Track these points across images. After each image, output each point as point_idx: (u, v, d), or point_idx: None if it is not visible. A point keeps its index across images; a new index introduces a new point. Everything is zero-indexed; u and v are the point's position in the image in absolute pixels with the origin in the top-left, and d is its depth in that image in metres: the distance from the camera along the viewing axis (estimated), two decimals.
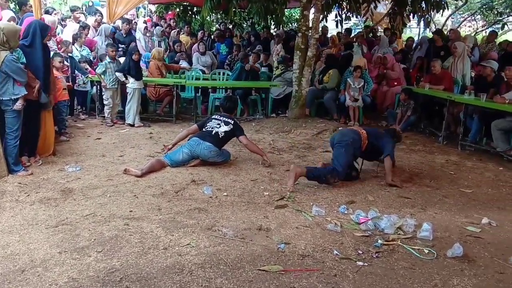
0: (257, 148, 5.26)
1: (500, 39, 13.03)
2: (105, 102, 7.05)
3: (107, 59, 6.98)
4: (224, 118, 5.15)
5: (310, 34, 7.63)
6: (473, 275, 2.85)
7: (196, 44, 9.83)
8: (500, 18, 14.97)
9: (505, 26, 15.12)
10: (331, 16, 10.67)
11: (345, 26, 11.56)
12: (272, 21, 9.54)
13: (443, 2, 8.95)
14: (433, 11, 9.26)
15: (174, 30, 11.45)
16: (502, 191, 4.65)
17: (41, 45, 4.64)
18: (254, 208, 3.85)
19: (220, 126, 5.03)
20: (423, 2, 8.66)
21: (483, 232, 3.54)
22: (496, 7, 14.70)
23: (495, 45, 9.29)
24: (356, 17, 11.35)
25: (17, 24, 5.36)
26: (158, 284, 2.56)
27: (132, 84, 6.92)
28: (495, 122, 6.08)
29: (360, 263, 2.93)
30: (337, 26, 10.49)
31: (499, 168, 5.49)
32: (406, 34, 15.35)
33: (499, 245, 3.31)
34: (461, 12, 17.64)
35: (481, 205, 4.18)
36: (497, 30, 14.75)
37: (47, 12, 7.49)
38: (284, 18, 12.32)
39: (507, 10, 14.72)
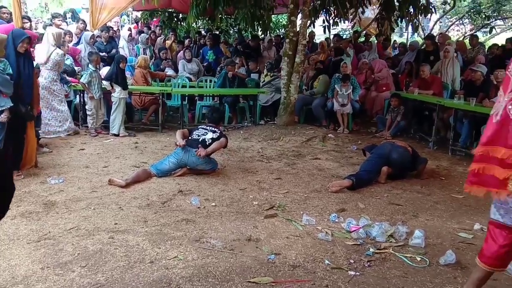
0: (220, 147, 5.12)
1: (489, 42, 13.28)
2: (88, 112, 6.99)
3: (91, 67, 6.92)
4: (210, 128, 5.17)
5: (298, 39, 7.67)
6: (466, 282, 2.86)
7: (182, 51, 9.83)
8: (488, 22, 15.24)
9: (493, 29, 15.40)
10: (319, 21, 10.76)
11: (333, 32, 11.65)
12: (259, 27, 9.55)
13: (431, 7, 9.07)
14: (421, 16, 9.37)
15: (160, 37, 11.44)
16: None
17: (14, 53, 4.59)
18: (243, 218, 3.83)
19: (206, 134, 5.04)
20: (411, 7, 8.76)
21: (475, 238, 3.56)
22: (483, 11, 14.97)
23: (481, 48, 9.44)
24: (344, 22, 11.44)
25: None
26: None
27: (117, 93, 6.89)
28: (485, 126, 6.16)
29: (352, 272, 2.93)
30: (324, 32, 10.54)
31: None
32: (400, 39, 15.53)
33: None
34: (449, 16, 17.91)
35: (473, 211, 4.21)
36: (485, 34, 15.04)
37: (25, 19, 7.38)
38: (271, 24, 12.37)
39: (495, 14, 14.98)
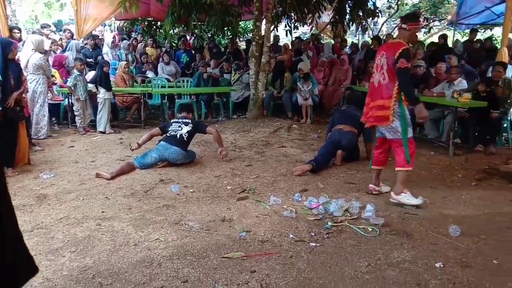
0: (220, 138, 5.20)
1: (428, 40, 13.55)
2: (75, 113, 6.80)
3: (75, 72, 6.73)
4: (182, 120, 5.09)
5: (263, 42, 7.63)
6: (411, 247, 2.92)
7: (161, 55, 9.67)
8: (427, 23, 15.51)
9: (431, 29, 15.71)
10: (282, 26, 10.75)
11: (294, 35, 11.65)
12: (228, 32, 9.48)
13: (377, 11, 9.18)
14: (369, 18, 9.47)
15: (141, 43, 11.20)
16: (433, 173, 4.81)
17: (2, 59, 4.41)
18: (218, 201, 3.81)
19: (181, 128, 4.96)
20: (360, 11, 8.84)
21: (418, 209, 3.64)
22: (423, 13, 15.22)
23: (420, 45, 9.60)
24: (303, 26, 11.46)
25: None
26: (129, 277, 2.48)
27: (102, 94, 6.73)
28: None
29: (313, 244, 2.95)
30: (287, 35, 10.55)
31: (431, 153, 5.68)
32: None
33: (432, 220, 3.41)
34: (394, 19, 18.16)
35: (416, 186, 4.28)
36: (425, 34, 15.31)
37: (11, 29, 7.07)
38: (239, 29, 12.26)
39: (432, 16, 15.27)
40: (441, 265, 2.64)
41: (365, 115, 3.97)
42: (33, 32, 8.50)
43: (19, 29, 7.51)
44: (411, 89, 3.68)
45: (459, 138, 6.00)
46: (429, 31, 15.50)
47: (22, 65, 5.95)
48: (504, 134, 6.20)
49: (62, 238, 3.01)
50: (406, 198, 3.71)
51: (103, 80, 6.74)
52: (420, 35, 14.81)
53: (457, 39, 11.08)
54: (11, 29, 6.99)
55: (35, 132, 6.17)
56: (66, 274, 2.51)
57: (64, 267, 2.60)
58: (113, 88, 7.07)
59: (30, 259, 0.57)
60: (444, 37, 9.73)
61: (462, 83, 6.19)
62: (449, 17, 14.02)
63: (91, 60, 8.68)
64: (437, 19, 15.52)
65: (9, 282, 0.52)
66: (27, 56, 6.09)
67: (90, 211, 3.51)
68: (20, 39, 7.05)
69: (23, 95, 5.02)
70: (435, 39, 14.22)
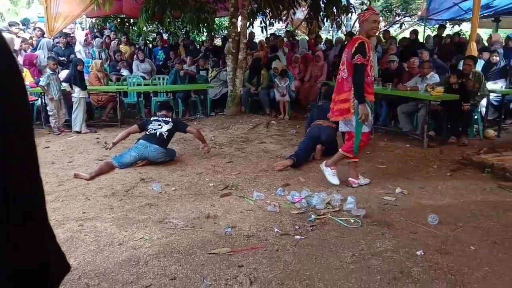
0: (202, 135, 5.22)
1: (400, 36, 13.85)
2: (49, 113, 6.61)
3: (48, 71, 6.54)
4: (162, 118, 5.04)
5: (239, 39, 7.63)
6: (392, 237, 3.01)
7: (136, 53, 9.51)
8: (398, 19, 15.85)
9: (403, 25, 16.06)
10: (257, 22, 10.75)
11: (270, 32, 11.69)
12: (204, 29, 9.40)
13: (350, 7, 9.32)
14: (342, 15, 9.60)
15: (114, 41, 10.98)
16: (410, 165, 4.95)
17: None
18: (201, 198, 3.80)
19: (161, 127, 4.91)
20: (334, 7, 8.95)
21: (397, 200, 3.74)
22: (394, 9, 15.54)
23: (393, 41, 9.83)
24: (278, 23, 11.51)
25: None
26: (115, 277, 2.46)
27: (77, 93, 6.57)
28: (400, 107, 6.46)
29: (298, 237, 2.99)
30: (262, 32, 10.57)
31: (406, 145, 5.83)
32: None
33: (411, 210, 3.52)
34: None
35: (394, 178, 4.41)
36: (397, 29, 15.62)
37: None
38: (215, 26, 12.21)
39: (403, 12, 15.60)
40: (422, 253, 2.73)
41: (331, 111, 4.15)
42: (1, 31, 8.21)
43: None
44: (361, 87, 3.81)
45: (432, 131, 6.18)
46: (400, 27, 15.84)
47: None
48: (475, 126, 6.43)
49: None
50: (329, 174, 4.14)
51: (77, 79, 6.57)
52: (392, 31, 15.11)
53: (428, 35, 11.38)
54: None
55: None
56: None
57: None
58: (87, 87, 6.91)
59: (63, 257, 0.57)
60: (415, 32, 9.98)
61: (434, 77, 6.38)
62: (420, 13, 14.38)
63: (63, 58, 8.47)
64: (408, 15, 15.85)
65: (45, 281, 0.51)
66: None
67: (70, 212, 3.45)
68: None
69: None
70: (406, 34, 14.56)
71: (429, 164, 4.93)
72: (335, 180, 4.13)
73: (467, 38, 8.51)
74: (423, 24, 13.67)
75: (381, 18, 17.65)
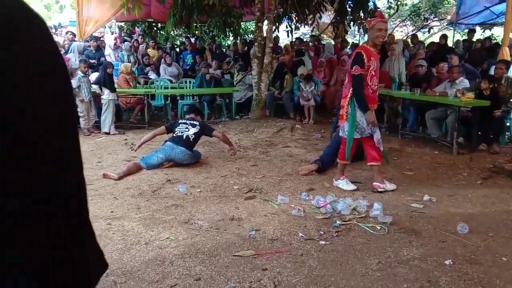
0: (228, 138, 5.26)
1: (428, 40, 13.58)
2: (80, 114, 6.79)
3: (79, 73, 6.73)
4: (190, 121, 5.10)
5: (265, 43, 7.66)
6: (420, 245, 2.94)
7: (163, 57, 9.69)
8: (427, 23, 15.58)
9: (431, 29, 15.76)
10: (283, 27, 10.77)
11: (295, 36, 11.68)
12: (230, 33, 9.49)
13: (377, 11, 9.20)
14: (369, 19, 9.49)
15: (142, 45, 11.21)
16: (438, 171, 4.83)
17: None
18: (226, 201, 3.82)
19: (188, 130, 4.97)
20: (361, 11, 8.88)
21: (425, 208, 3.67)
22: (422, 13, 15.28)
23: (421, 45, 9.65)
24: (304, 27, 11.50)
25: None
26: (142, 276, 2.50)
27: (106, 95, 6.74)
28: (428, 113, 6.32)
29: (323, 242, 2.97)
30: (288, 36, 10.58)
31: (435, 152, 5.70)
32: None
33: (439, 218, 3.43)
34: (393, 19, 18.23)
35: (422, 185, 4.32)
36: (425, 33, 15.34)
37: None
38: (241, 30, 12.32)
39: (432, 16, 15.32)
40: (451, 262, 2.66)
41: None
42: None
43: None
44: (361, 96, 3.86)
45: (462, 137, 6.02)
46: (429, 31, 15.55)
47: None
48: (507, 133, 6.23)
49: None
50: (342, 184, 4.17)
51: (107, 81, 6.75)
52: (420, 35, 14.84)
53: (458, 40, 11.12)
54: None
55: None
56: None
57: None
58: (116, 90, 7.08)
59: (101, 255, 0.58)
60: (445, 37, 9.77)
61: (463, 82, 6.22)
62: (449, 17, 14.07)
63: (94, 61, 8.69)
64: (436, 19, 15.55)
65: (85, 278, 0.53)
66: None
67: (99, 211, 3.53)
68: None
69: None
70: (435, 39, 14.28)
71: (458, 171, 4.81)
72: (350, 187, 4.14)
73: (499, 42, 8.27)
74: (452, 28, 13.36)
75: (408, 23, 17.42)
